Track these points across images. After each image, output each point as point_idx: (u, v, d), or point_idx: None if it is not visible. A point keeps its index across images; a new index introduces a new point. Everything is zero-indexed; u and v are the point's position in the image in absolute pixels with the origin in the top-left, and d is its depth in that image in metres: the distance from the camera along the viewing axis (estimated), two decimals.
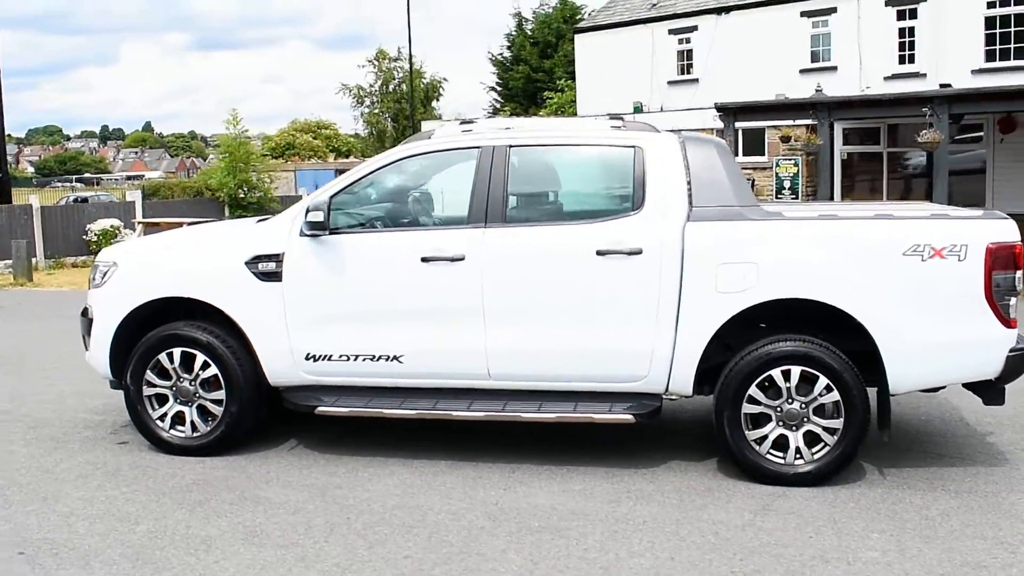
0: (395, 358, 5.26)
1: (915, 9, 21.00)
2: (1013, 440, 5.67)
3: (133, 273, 5.63)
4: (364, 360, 5.30)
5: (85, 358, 5.90)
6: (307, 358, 5.36)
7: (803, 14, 23.17)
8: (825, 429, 4.88)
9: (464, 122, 5.53)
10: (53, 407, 6.85)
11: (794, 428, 4.92)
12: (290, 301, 5.33)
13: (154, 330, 5.53)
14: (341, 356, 5.32)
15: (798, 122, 18.75)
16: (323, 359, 5.35)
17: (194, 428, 5.53)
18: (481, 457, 5.44)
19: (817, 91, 20.40)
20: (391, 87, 53.05)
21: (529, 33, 42.58)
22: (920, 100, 13.98)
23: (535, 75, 40.94)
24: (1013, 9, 19.37)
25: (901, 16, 21.28)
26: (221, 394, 5.46)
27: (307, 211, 5.23)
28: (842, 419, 4.85)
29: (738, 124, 16.95)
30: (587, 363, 5.09)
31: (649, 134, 5.25)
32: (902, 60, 21.47)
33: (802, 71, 23.25)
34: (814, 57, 23.24)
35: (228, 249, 5.50)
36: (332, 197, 5.32)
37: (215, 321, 5.51)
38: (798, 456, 4.92)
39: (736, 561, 4.00)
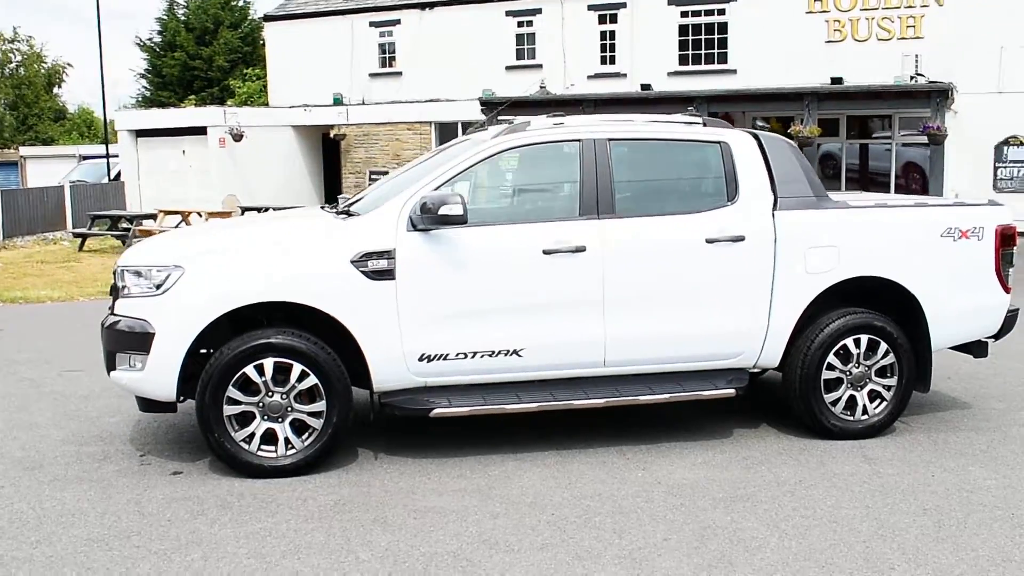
0: (514, 352, 5.20)
1: (615, 14, 23.14)
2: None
3: (212, 277, 4.92)
4: (482, 357, 5.17)
5: (119, 379, 5.04)
6: (421, 359, 5.10)
7: (508, 13, 24.44)
8: (884, 387, 5.70)
9: (553, 115, 5.57)
10: (35, 442, 5.66)
11: (859, 389, 5.68)
12: (404, 300, 5.03)
13: (235, 341, 4.90)
14: (459, 354, 5.14)
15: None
16: (438, 359, 5.12)
17: (287, 446, 5.00)
18: (571, 443, 5.55)
19: (541, 88, 21.81)
20: (7, 71, 47.62)
21: (183, 18, 39.87)
22: (687, 100, 15.71)
23: (192, 63, 38.50)
24: (704, 19, 22.15)
25: (603, 20, 23.31)
26: (320, 406, 4.99)
27: (427, 205, 4.97)
28: (895, 378, 5.70)
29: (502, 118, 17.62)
30: (695, 344, 5.44)
31: (731, 130, 5.70)
32: (604, 61, 23.55)
33: (508, 68, 24.52)
34: (519, 55, 24.62)
35: (327, 247, 5.03)
36: (437, 191, 5.11)
37: (301, 326, 5.03)
38: (862, 413, 5.69)
39: (892, 499, 4.65)
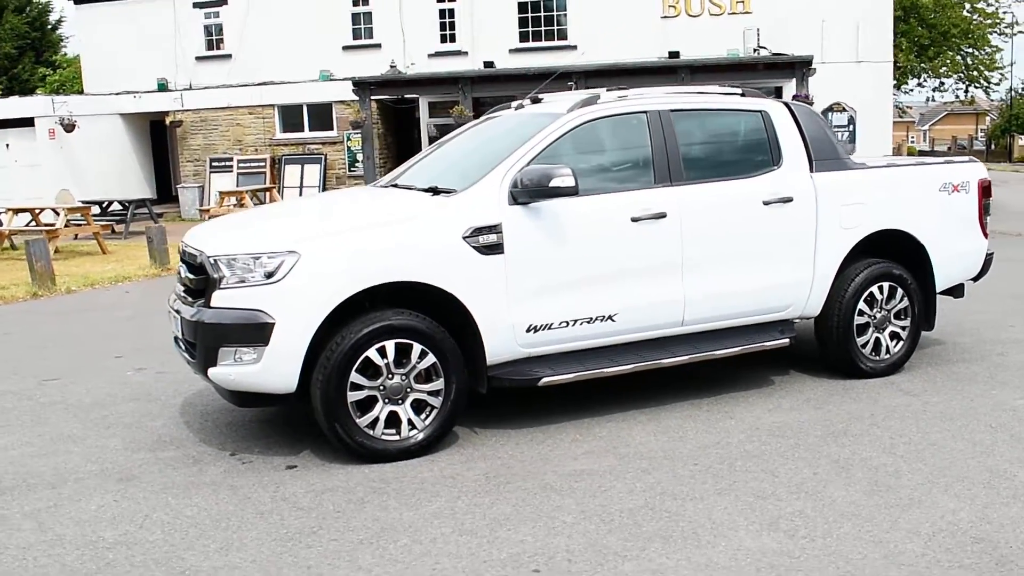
0: (609, 317, 5.40)
1: None
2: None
3: (332, 261, 4.76)
4: (582, 324, 5.33)
5: (224, 375, 4.79)
6: (528, 330, 5.19)
7: None
8: (901, 328, 6.37)
9: (615, 89, 5.76)
10: (97, 453, 5.20)
11: (882, 331, 6.32)
12: (512, 273, 5.10)
13: (355, 324, 4.79)
14: (561, 323, 5.27)
15: (442, 98, 19.95)
16: (543, 329, 5.23)
17: (410, 426, 4.95)
18: (642, 402, 5.83)
19: (391, 67, 21.59)
20: None
21: None
22: (543, 76, 16.07)
23: None
24: None
25: None
26: (438, 384, 4.99)
27: (535, 178, 5.04)
28: (909, 319, 6.38)
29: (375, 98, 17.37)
30: (755, 299, 5.86)
31: (767, 100, 6.13)
32: (443, 39, 23.61)
33: (345, 48, 24.08)
34: (356, 35, 24.24)
35: (439, 224, 4.99)
36: (538, 165, 5.20)
37: (405, 306, 4.99)
38: (886, 352, 6.34)
39: (960, 422, 5.31)
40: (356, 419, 4.83)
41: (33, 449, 5.38)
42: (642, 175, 5.61)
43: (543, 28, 23.07)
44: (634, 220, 5.41)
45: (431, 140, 21.60)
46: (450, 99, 21.50)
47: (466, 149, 6.15)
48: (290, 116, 22.99)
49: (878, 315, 6.27)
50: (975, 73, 35.98)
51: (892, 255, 6.37)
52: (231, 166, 22.47)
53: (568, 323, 5.29)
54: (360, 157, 22.74)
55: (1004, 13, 34.61)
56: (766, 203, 5.81)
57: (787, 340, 5.97)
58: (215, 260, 4.83)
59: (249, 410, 5.93)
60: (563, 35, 22.90)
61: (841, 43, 20.66)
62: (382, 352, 4.83)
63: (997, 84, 36.57)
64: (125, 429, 5.71)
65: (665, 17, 22.09)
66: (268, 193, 20.53)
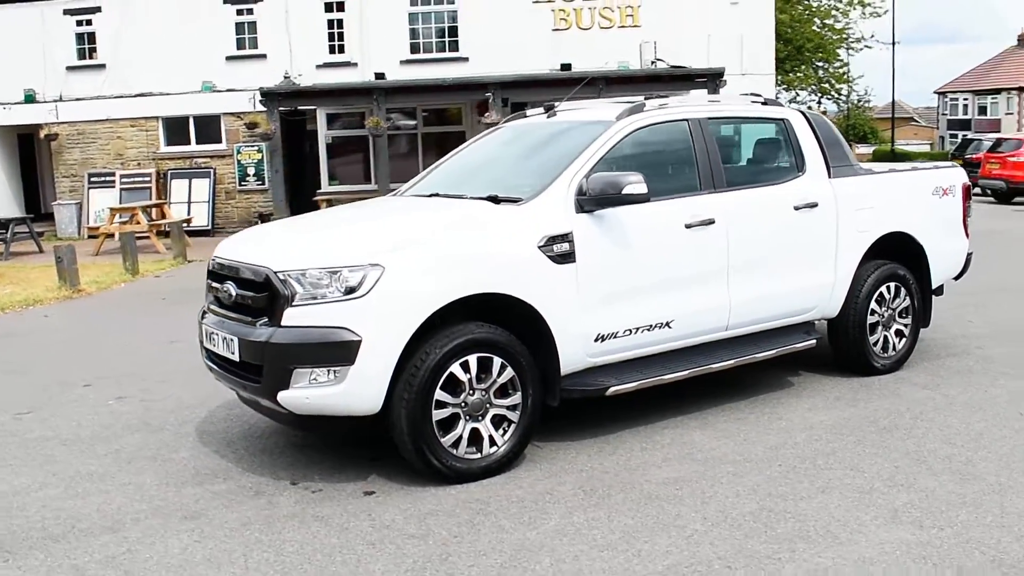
0: (666, 324, 5.39)
1: (342, 2, 22.74)
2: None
3: (417, 274, 4.53)
4: (642, 331, 5.30)
5: (298, 398, 4.48)
6: (596, 339, 5.12)
7: (227, 1, 23.14)
8: (904, 326, 6.66)
9: (655, 97, 5.77)
10: (139, 491, 4.71)
11: (889, 329, 6.59)
12: (583, 282, 5.01)
13: (438, 339, 4.58)
14: (625, 331, 5.23)
15: (354, 108, 19.39)
16: (610, 338, 5.17)
17: (491, 443, 4.78)
18: (678, 408, 5.87)
19: (285, 78, 20.96)
20: None
21: None
22: (460, 87, 16.02)
23: None
24: (433, 8, 22.54)
25: (329, 8, 22.75)
26: (516, 398, 4.84)
27: (606, 186, 4.97)
28: (910, 317, 6.68)
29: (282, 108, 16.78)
30: (788, 301, 6.00)
31: (786, 108, 6.30)
32: (333, 50, 23.11)
33: (229, 59, 23.19)
34: (240, 45, 23.37)
35: (514, 234, 4.85)
36: (592, 172, 5.14)
37: (480, 316, 4.83)
38: (892, 350, 6.61)
39: (991, 411, 5.61)
40: (440, 439, 4.62)
41: (58, 490, 4.87)
42: (689, 182, 5.64)
43: (434, 40, 22.94)
44: (687, 227, 5.44)
45: (328, 152, 21.13)
46: (350, 111, 21.12)
47: (503, 158, 6.03)
48: (175, 129, 21.91)
49: (886, 314, 6.54)
50: (827, 85, 38.42)
51: (893, 256, 6.66)
52: (113, 181, 21.17)
53: (631, 331, 5.25)
54: (251, 171, 22.00)
55: (850, 29, 37.09)
56: (796, 208, 5.96)
57: (813, 341, 6.13)
58: (285, 276, 4.52)
59: (272, 435, 5.61)
60: (455, 47, 22.81)
61: (727, 56, 21.49)
62: (465, 367, 4.65)
63: (847, 96, 39.23)
64: (150, 463, 5.26)
65: (557, 30, 22.38)
66: (159, 209, 19.47)
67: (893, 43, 41.54)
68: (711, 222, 5.52)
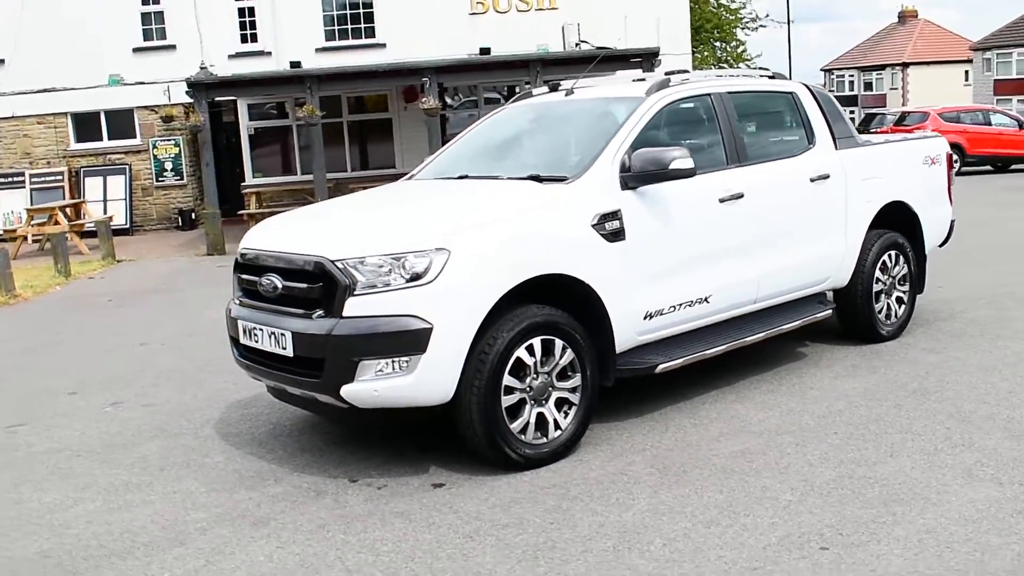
0: (705, 299, 5.40)
1: None
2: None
3: (484, 258, 4.39)
4: (685, 307, 5.29)
5: (364, 391, 4.30)
6: (645, 317, 5.08)
7: None
8: (904, 292, 6.85)
9: (678, 72, 5.75)
10: (188, 504, 4.43)
11: (890, 297, 6.76)
12: (631, 259, 4.96)
13: (504, 322, 4.45)
14: (671, 308, 5.21)
15: (286, 97, 18.77)
16: (657, 315, 5.14)
17: (555, 427, 4.70)
18: (700, 384, 5.91)
19: (202, 68, 20.15)
20: None
21: None
22: (393, 73, 15.71)
23: None
24: None
25: None
26: (576, 380, 4.76)
27: (650, 162, 4.92)
28: (908, 284, 6.88)
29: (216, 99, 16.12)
30: (807, 272, 6.09)
31: (792, 82, 6.37)
32: (245, 39, 22.37)
33: (136, 50, 22.17)
34: (147, 35, 22.37)
35: (569, 213, 4.76)
36: (633, 148, 5.09)
37: (535, 298, 4.73)
38: (894, 317, 6.79)
39: (1001, 372, 5.86)
40: (510, 426, 4.51)
41: (96, 504, 4.56)
42: (717, 156, 5.64)
43: (350, 26, 22.45)
44: (720, 201, 5.45)
45: (251, 142, 20.46)
46: (281, 99, 20.53)
47: (529, 137, 5.91)
48: (86, 124, 20.82)
49: (888, 282, 6.71)
50: (726, 66, 39.37)
51: (891, 225, 6.83)
52: (22, 182, 19.99)
53: (675, 307, 5.24)
54: (168, 167, 21.15)
55: (744, 9, 38.13)
56: (812, 180, 6.04)
57: (830, 311, 6.25)
58: (344, 265, 4.32)
59: (302, 433, 5.42)
60: (371, 33, 22.36)
61: (644, 37, 21.58)
62: (530, 350, 4.54)
63: None
64: (185, 469, 4.97)
65: (474, 14, 22.17)
66: (76, 208, 18.50)
67: (788, 22, 42.92)
68: (741, 196, 5.54)
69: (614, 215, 4.89)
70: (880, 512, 3.90)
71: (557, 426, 4.70)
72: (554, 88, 6.40)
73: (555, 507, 4.16)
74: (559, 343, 4.65)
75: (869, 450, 4.62)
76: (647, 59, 15.72)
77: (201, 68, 20.27)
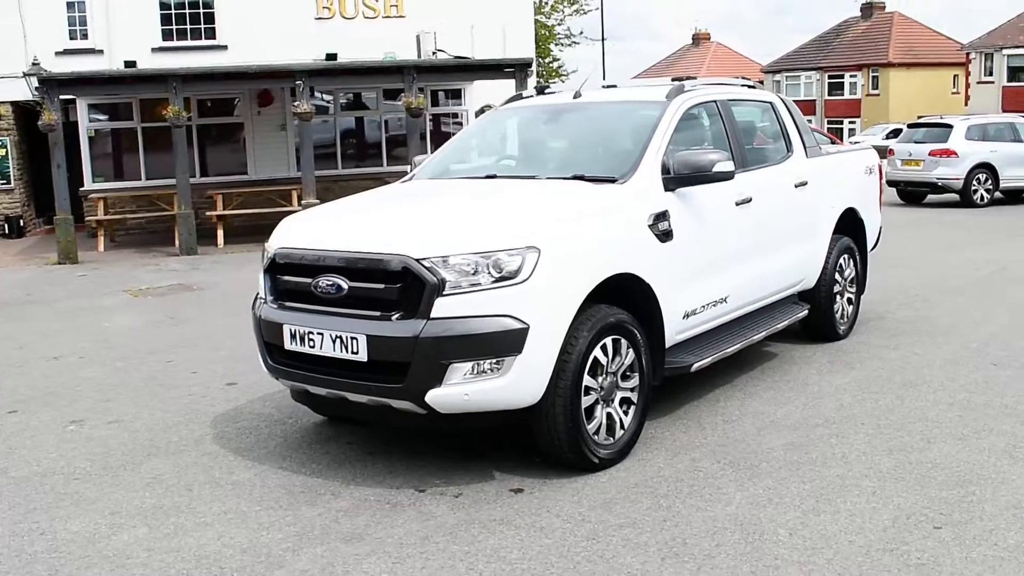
0: (724, 299, 5.56)
1: None
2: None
3: (571, 257, 4.31)
4: (710, 307, 5.43)
5: (453, 395, 4.13)
6: (684, 316, 5.17)
7: None
8: (853, 293, 7.33)
9: (686, 79, 5.88)
10: (244, 528, 4.02)
11: (843, 297, 7.21)
12: (677, 259, 5.04)
13: (582, 322, 4.39)
14: (701, 307, 5.33)
15: (143, 96, 17.36)
16: (692, 314, 5.25)
17: (620, 427, 4.69)
18: (701, 383, 6.10)
19: (34, 64, 18.50)
20: None
21: None
22: (268, 75, 15.07)
23: None
24: None
25: None
26: (635, 380, 4.78)
27: (701, 164, 5.01)
28: (855, 286, 7.38)
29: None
30: (791, 273, 6.41)
31: (769, 92, 6.67)
32: (74, 35, 20.78)
33: None
34: None
35: (627, 213, 4.76)
36: (669, 151, 5.20)
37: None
38: (845, 316, 7.26)
39: (963, 368, 6.40)
40: (588, 427, 4.46)
41: (142, 531, 4.09)
42: None
43: (189, 26, 21.35)
44: (736, 204, 5.63)
45: (91, 144, 18.99)
46: (115, 101, 19.23)
47: (555, 139, 5.85)
48: None
49: (843, 283, 7.16)
50: (542, 80, 40.50)
51: (841, 230, 7.29)
52: None
53: (704, 307, 5.36)
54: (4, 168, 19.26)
55: (560, 25, 39.39)
56: (796, 186, 6.37)
57: (807, 311, 6.60)
58: (431, 264, 4.13)
59: (325, 443, 5.14)
60: (211, 34, 21.32)
61: (490, 46, 21.67)
62: (604, 351, 4.52)
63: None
64: (217, 488, 4.57)
65: (320, 18, 21.58)
66: None
67: (603, 39, 44.45)
68: (750, 200, 5.76)
69: (664, 215, 4.95)
70: (961, 493, 4.16)
71: (622, 426, 4.70)
72: (541, 91, 6.41)
73: (656, 504, 4.15)
74: (624, 343, 4.65)
75: (905, 438, 4.91)
76: (520, 69, 15.89)
77: (33, 64, 18.68)
